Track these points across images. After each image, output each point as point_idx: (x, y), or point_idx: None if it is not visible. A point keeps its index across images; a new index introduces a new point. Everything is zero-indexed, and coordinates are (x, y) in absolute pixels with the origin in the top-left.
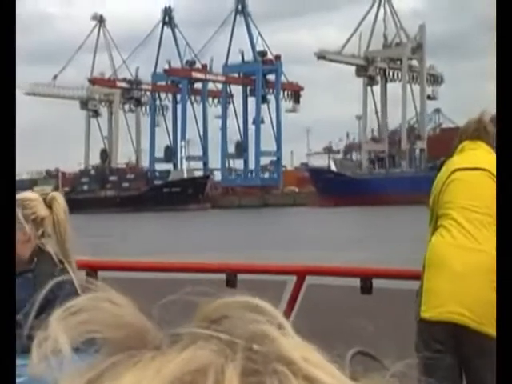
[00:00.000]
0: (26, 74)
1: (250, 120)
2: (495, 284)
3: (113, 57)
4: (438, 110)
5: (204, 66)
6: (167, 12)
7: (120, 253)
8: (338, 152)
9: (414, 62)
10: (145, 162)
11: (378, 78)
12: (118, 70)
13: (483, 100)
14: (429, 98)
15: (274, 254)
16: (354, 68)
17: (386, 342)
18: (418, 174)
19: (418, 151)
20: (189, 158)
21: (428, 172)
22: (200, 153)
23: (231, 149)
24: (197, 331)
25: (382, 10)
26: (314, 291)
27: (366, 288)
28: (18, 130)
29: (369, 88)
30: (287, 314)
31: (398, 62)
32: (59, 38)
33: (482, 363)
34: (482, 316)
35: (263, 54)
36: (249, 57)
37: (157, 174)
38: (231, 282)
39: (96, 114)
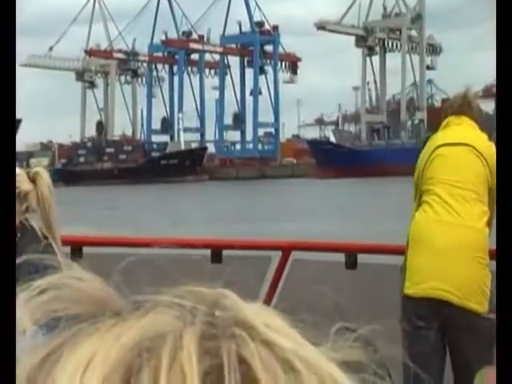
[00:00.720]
0: (21, 45)
1: (248, 91)
2: (482, 259)
3: (108, 28)
4: (430, 81)
5: (201, 37)
6: None
7: (120, 225)
8: (331, 124)
9: (413, 32)
10: (141, 134)
11: (377, 49)
12: (113, 41)
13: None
14: (427, 68)
15: (269, 227)
16: (352, 39)
17: (370, 318)
18: (419, 145)
19: (417, 122)
20: (186, 130)
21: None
22: (197, 124)
23: (228, 120)
24: (159, 298)
25: None
26: (299, 266)
27: (351, 263)
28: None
29: (368, 59)
30: (272, 288)
31: (398, 33)
32: (55, 8)
33: (466, 339)
34: (466, 291)
35: (260, 24)
36: (246, 28)
37: (154, 145)
38: (216, 258)
39: (92, 85)
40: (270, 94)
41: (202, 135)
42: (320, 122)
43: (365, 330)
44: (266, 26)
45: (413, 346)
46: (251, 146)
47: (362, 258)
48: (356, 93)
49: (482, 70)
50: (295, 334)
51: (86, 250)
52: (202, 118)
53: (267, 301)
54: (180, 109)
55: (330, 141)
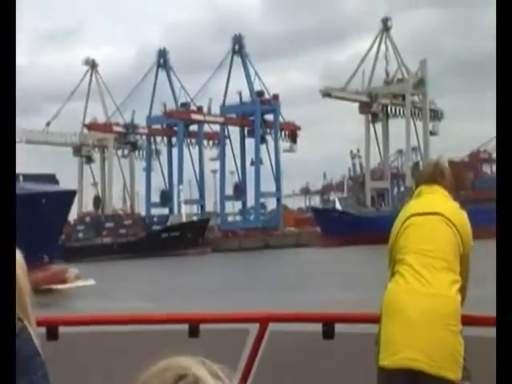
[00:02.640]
0: (18, 121)
1: (248, 161)
2: (453, 327)
3: (105, 102)
4: (415, 149)
5: (199, 108)
6: (162, 54)
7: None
8: (316, 193)
9: (415, 98)
10: (139, 207)
11: (381, 115)
12: (112, 115)
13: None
14: (430, 133)
15: (274, 297)
16: (355, 105)
17: None
18: None
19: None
20: (185, 202)
21: None
22: (196, 196)
23: (228, 191)
24: None
25: (383, 46)
26: (277, 338)
27: (328, 333)
28: None
29: (370, 125)
30: (250, 361)
31: (400, 98)
32: (49, 84)
33: None
34: (438, 360)
35: (260, 94)
36: (245, 97)
37: (155, 219)
38: (194, 332)
39: (89, 160)
40: (271, 163)
41: (203, 207)
42: (305, 191)
43: None
44: (266, 96)
45: None
46: (253, 216)
47: (339, 327)
48: (342, 160)
49: (482, 135)
50: None
51: (62, 329)
52: (201, 189)
53: (246, 373)
54: (180, 181)
55: (336, 208)
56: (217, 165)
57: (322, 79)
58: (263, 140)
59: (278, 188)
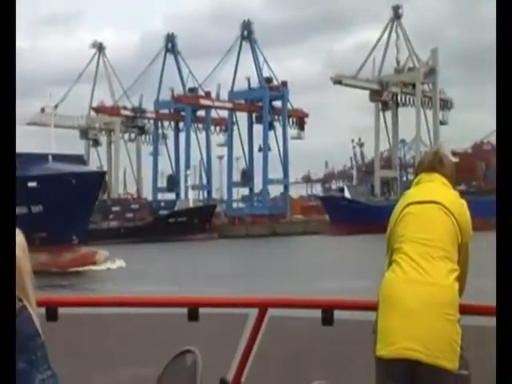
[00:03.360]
0: (26, 105)
1: (255, 148)
2: (450, 316)
3: (113, 86)
4: (403, 141)
5: (207, 94)
6: (170, 39)
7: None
8: (317, 181)
9: (425, 87)
10: (145, 192)
11: (391, 103)
12: (118, 98)
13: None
14: (440, 123)
15: (281, 285)
16: (366, 93)
17: (347, 374)
18: None
19: None
20: (192, 188)
21: None
22: (201, 182)
23: (235, 177)
24: None
25: (393, 34)
26: (276, 323)
27: (328, 320)
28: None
29: (381, 113)
30: (249, 346)
31: (410, 87)
32: (50, 68)
33: None
34: (435, 350)
35: (269, 80)
36: (254, 84)
37: (162, 203)
38: (193, 316)
39: (96, 143)
40: (278, 149)
41: (209, 192)
42: (307, 179)
43: None
44: (275, 82)
45: None
46: (260, 202)
47: (339, 314)
48: (357, 149)
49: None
50: None
51: (61, 310)
52: (208, 175)
53: (244, 358)
54: (187, 166)
55: (345, 196)
56: (222, 151)
57: (325, 67)
58: (271, 126)
59: (286, 175)
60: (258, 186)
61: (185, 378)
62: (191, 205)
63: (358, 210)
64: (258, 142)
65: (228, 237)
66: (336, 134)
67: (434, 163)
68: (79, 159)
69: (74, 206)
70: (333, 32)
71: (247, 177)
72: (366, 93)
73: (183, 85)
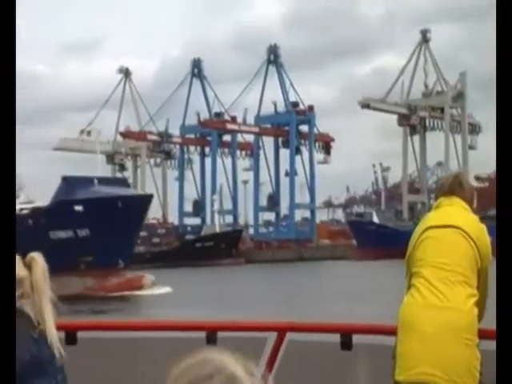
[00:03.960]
0: (54, 129)
1: (282, 172)
2: (469, 341)
3: (138, 110)
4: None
5: (233, 118)
6: (196, 64)
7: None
8: (339, 206)
9: (453, 111)
10: (171, 217)
11: (419, 127)
12: (144, 124)
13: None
14: (469, 147)
15: (307, 309)
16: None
17: None
18: None
19: None
20: (218, 212)
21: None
22: (225, 207)
23: (261, 202)
24: None
25: (422, 58)
26: (295, 347)
27: (346, 344)
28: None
29: (409, 138)
30: (268, 369)
31: (438, 111)
32: (82, 92)
33: None
34: (454, 375)
35: (295, 104)
36: (280, 108)
37: (188, 228)
38: (211, 340)
39: (122, 168)
40: (305, 174)
41: (236, 217)
42: (328, 204)
43: None
44: (301, 106)
45: None
46: (287, 227)
47: (357, 338)
48: (363, 174)
49: None
50: None
51: (80, 334)
52: (234, 199)
53: (263, 382)
54: (213, 190)
55: (374, 221)
56: (247, 175)
57: (342, 92)
58: (298, 151)
59: (312, 200)
60: (283, 210)
61: None
62: (218, 230)
63: (386, 234)
64: (283, 166)
65: (254, 261)
66: (356, 159)
67: (453, 186)
68: (124, 182)
69: (120, 229)
70: (351, 57)
71: (273, 201)
72: (386, 117)
73: (209, 109)
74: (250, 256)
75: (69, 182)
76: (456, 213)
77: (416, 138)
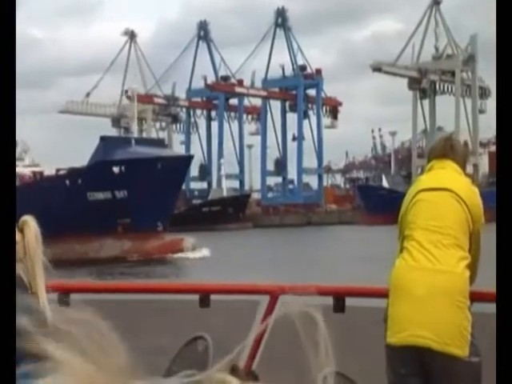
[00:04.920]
0: (60, 91)
1: (289, 136)
2: (460, 303)
3: (143, 74)
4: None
5: (240, 82)
6: (202, 26)
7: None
8: (338, 172)
9: (463, 75)
10: None
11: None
12: (150, 88)
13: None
14: (479, 111)
15: (316, 273)
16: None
17: (358, 362)
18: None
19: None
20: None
21: (489, 187)
22: (230, 171)
23: (269, 166)
24: (160, 382)
25: (432, 20)
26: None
27: (339, 306)
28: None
29: (418, 102)
30: (260, 333)
31: (449, 75)
32: (91, 54)
33: (447, 383)
34: (445, 337)
35: (303, 68)
36: (288, 72)
37: (195, 192)
38: (204, 303)
39: (128, 131)
40: (313, 138)
41: (242, 182)
42: (327, 169)
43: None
44: (309, 70)
45: None
46: (295, 192)
47: (350, 301)
48: (360, 139)
49: None
50: None
51: (73, 297)
52: (241, 164)
53: (255, 345)
54: (220, 155)
55: (383, 186)
56: (253, 140)
57: (340, 57)
58: (305, 115)
59: (320, 164)
60: (289, 175)
61: (196, 364)
62: (225, 194)
63: (396, 199)
64: (290, 130)
65: (262, 226)
66: (354, 125)
67: (445, 149)
68: (161, 143)
69: (159, 191)
70: (349, 22)
71: (280, 166)
72: (384, 83)
73: (216, 73)
74: (258, 221)
75: (107, 142)
76: (448, 176)
77: (425, 102)
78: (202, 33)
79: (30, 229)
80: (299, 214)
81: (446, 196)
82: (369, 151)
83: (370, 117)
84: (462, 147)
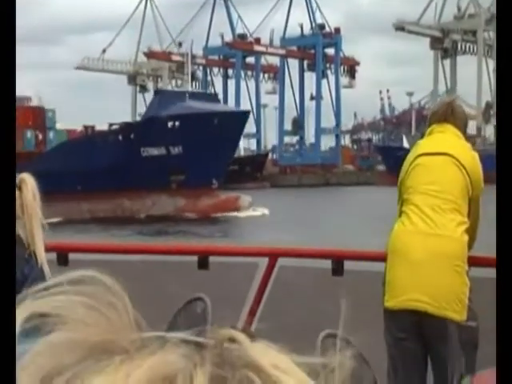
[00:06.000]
0: (77, 46)
1: (306, 96)
2: (458, 267)
3: (160, 31)
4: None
5: (257, 40)
6: None
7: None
8: (347, 132)
9: (485, 34)
10: None
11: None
12: (167, 46)
13: None
14: None
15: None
16: (427, 40)
17: (357, 325)
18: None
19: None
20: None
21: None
22: (252, 130)
23: (286, 126)
24: (166, 335)
25: None
26: (286, 272)
27: (338, 270)
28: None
29: (439, 62)
30: (259, 295)
31: (470, 35)
32: (106, 11)
33: (444, 347)
34: (443, 301)
35: (322, 27)
36: (305, 30)
37: None
38: (203, 264)
39: (144, 89)
40: (331, 98)
41: (259, 141)
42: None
43: (351, 338)
44: (327, 29)
45: (395, 357)
46: (313, 152)
47: (348, 264)
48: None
49: None
50: (303, 376)
51: (71, 256)
52: (258, 123)
53: (254, 307)
54: None
55: (404, 146)
56: (268, 99)
57: (345, 19)
58: (324, 74)
59: (338, 124)
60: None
61: (194, 326)
62: (242, 153)
63: None
64: (308, 90)
65: (279, 186)
66: (362, 86)
67: (446, 113)
68: (214, 98)
69: (215, 147)
70: None
71: (298, 125)
72: (390, 45)
73: (233, 31)
74: (275, 180)
75: (161, 96)
76: (448, 140)
77: (446, 62)
78: None
79: (27, 186)
80: (317, 174)
81: (446, 161)
82: (377, 113)
83: (377, 79)
84: (463, 111)
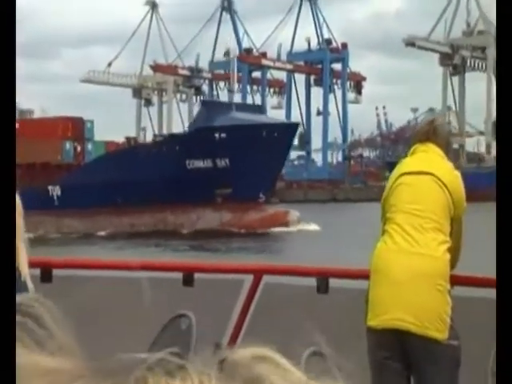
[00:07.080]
0: (81, 59)
1: (313, 111)
2: (440, 286)
3: (164, 45)
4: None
5: (263, 55)
6: None
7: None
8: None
9: (493, 51)
10: None
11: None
12: (173, 60)
13: None
14: None
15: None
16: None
17: (342, 343)
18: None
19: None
20: None
21: None
22: None
23: None
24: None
25: None
26: (271, 290)
27: (323, 287)
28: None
29: (448, 78)
30: (244, 312)
31: (479, 51)
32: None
33: (428, 367)
34: (425, 320)
35: (329, 42)
36: (311, 46)
37: None
38: (188, 281)
39: (149, 102)
40: (338, 113)
41: None
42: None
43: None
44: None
45: (378, 376)
46: (320, 167)
47: (334, 282)
48: (370, 117)
49: None
50: None
51: (55, 272)
52: None
53: (239, 324)
54: None
55: None
56: (274, 114)
57: (340, 36)
58: (330, 89)
59: (345, 139)
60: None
61: (179, 342)
62: None
63: None
64: (314, 105)
65: (286, 201)
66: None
67: (428, 133)
68: (260, 109)
69: (263, 160)
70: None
71: (305, 140)
72: (384, 62)
73: (239, 45)
74: (281, 195)
75: (208, 107)
76: (431, 159)
77: (455, 78)
78: (225, 3)
79: None
80: (324, 189)
81: (428, 180)
82: (374, 129)
83: (372, 95)
84: (446, 131)
